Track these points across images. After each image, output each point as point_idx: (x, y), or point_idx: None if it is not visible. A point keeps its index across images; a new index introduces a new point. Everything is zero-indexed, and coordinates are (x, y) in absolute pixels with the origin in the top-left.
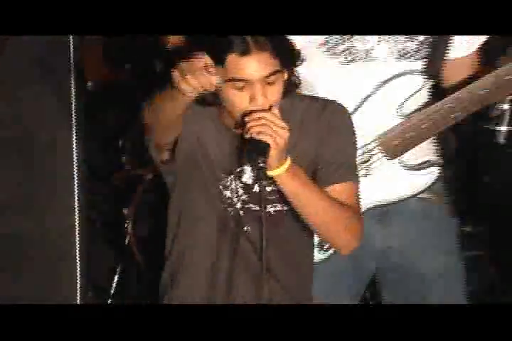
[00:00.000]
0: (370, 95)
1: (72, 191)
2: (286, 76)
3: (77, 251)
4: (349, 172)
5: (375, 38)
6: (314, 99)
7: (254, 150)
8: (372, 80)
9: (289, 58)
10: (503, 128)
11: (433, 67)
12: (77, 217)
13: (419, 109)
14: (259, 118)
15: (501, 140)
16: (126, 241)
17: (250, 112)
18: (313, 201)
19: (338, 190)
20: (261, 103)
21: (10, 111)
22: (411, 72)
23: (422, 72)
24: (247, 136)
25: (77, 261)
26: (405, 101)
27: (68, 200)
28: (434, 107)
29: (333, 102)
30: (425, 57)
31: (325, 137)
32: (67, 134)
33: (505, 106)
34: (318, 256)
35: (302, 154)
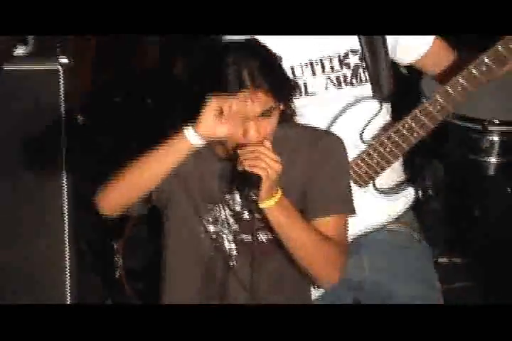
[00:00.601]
0: (329, 126)
1: (61, 222)
2: (281, 107)
3: (67, 284)
4: (339, 206)
5: (309, 72)
6: (308, 128)
7: (246, 183)
8: (327, 111)
9: (285, 92)
10: (493, 160)
11: (380, 90)
12: (67, 249)
13: (381, 134)
14: (253, 151)
15: (491, 172)
16: (117, 274)
17: (243, 145)
18: (298, 234)
19: (325, 223)
20: (254, 138)
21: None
22: (363, 99)
23: (373, 97)
24: (240, 169)
25: (67, 294)
26: (365, 127)
27: (57, 232)
28: (394, 129)
29: (329, 133)
30: (366, 81)
31: (317, 167)
32: (57, 165)
33: (495, 138)
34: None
35: (292, 182)
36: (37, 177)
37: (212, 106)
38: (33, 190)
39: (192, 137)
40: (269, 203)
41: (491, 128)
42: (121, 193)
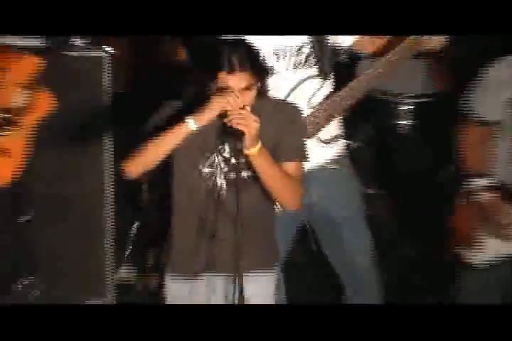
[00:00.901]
0: (287, 97)
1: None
2: (259, 85)
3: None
4: (298, 153)
5: (274, 57)
6: (276, 100)
7: (234, 136)
8: (284, 87)
9: (262, 74)
10: (405, 122)
11: (323, 71)
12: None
13: (323, 102)
14: (238, 114)
15: (404, 131)
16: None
17: (231, 110)
18: (271, 172)
19: (288, 165)
20: (239, 104)
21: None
22: (310, 77)
23: (317, 76)
24: (229, 126)
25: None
26: (311, 97)
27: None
28: (333, 98)
29: (290, 103)
30: (315, 64)
31: (283, 126)
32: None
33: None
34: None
35: (267, 136)
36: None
37: (214, 107)
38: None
39: (193, 126)
40: (252, 150)
41: (403, 99)
42: (142, 162)
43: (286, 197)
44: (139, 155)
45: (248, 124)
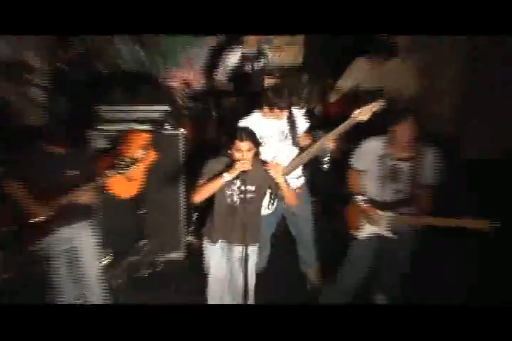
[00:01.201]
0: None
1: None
2: (255, 150)
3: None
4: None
5: (268, 136)
6: (262, 160)
7: (240, 176)
8: (269, 152)
9: (257, 144)
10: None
11: (295, 142)
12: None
13: (292, 159)
14: (242, 163)
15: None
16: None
17: (239, 160)
18: (286, 187)
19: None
20: (245, 158)
21: None
22: (286, 146)
23: (292, 145)
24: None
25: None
26: (287, 157)
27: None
28: (298, 157)
29: (272, 162)
30: (288, 138)
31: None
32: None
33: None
34: (267, 211)
35: (260, 176)
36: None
37: (238, 167)
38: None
39: (227, 177)
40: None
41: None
42: (201, 196)
43: (290, 198)
44: (199, 192)
45: (247, 168)
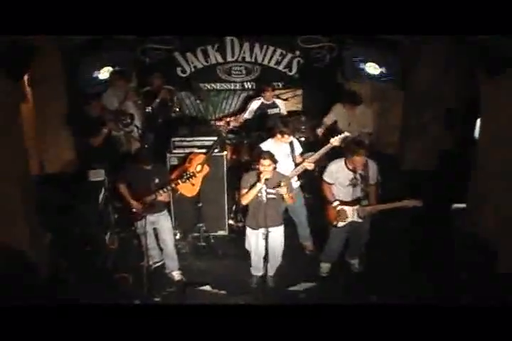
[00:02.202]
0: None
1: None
2: (274, 165)
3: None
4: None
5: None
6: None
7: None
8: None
9: (274, 161)
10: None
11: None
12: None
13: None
14: (266, 174)
15: None
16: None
17: (263, 172)
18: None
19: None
20: (267, 170)
21: None
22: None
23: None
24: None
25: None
26: (292, 171)
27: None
28: (293, 170)
29: (284, 174)
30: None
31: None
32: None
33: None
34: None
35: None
36: None
37: (262, 179)
38: None
39: (259, 186)
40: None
41: None
42: (246, 200)
43: (289, 200)
44: (245, 198)
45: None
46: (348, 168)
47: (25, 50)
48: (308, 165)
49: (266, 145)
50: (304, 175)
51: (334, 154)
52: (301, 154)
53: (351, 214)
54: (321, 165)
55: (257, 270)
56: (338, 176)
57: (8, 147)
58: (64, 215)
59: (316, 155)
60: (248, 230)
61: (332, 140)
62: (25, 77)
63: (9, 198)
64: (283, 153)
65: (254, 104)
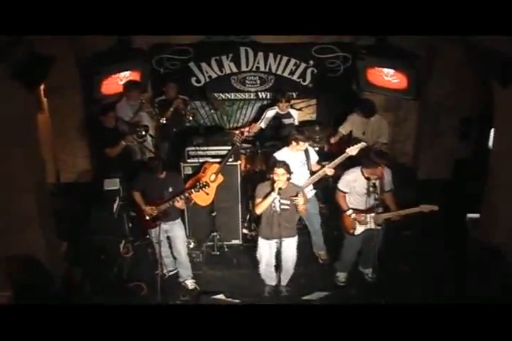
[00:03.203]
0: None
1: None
2: (288, 176)
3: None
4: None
5: (296, 166)
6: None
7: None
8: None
9: (289, 171)
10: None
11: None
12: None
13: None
14: (279, 183)
15: None
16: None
17: (277, 181)
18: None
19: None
20: (281, 180)
21: None
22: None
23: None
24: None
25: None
26: (307, 182)
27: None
28: (309, 179)
29: (298, 185)
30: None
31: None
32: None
33: None
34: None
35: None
36: None
37: (276, 189)
38: None
39: (275, 196)
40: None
41: None
42: (259, 210)
43: (303, 211)
44: (258, 207)
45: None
46: (365, 177)
47: (42, 61)
48: (329, 170)
49: (280, 155)
50: (316, 185)
51: (348, 163)
52: (318, 162)
53: (367, 221)
54: (330, 176)
55: (270, 279)
56: (355, 185)
57: (25, 156)
58: (79, 224)
59: (333, 164)
60: (260, 240)
61: (348, 149)
62: (41, 87)
63: (25, 207)
64: (298, 162)
65: (269, 114)
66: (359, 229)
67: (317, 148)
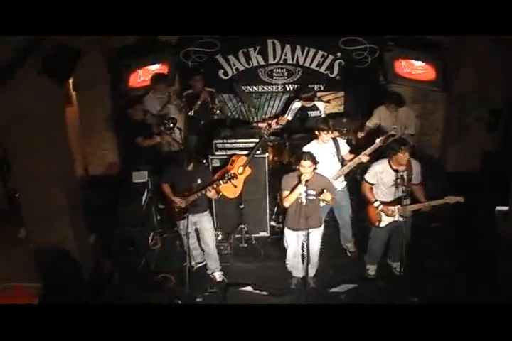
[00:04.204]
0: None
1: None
2: (314, 166)
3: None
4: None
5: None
6: (320, 174)
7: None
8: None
9: (315, 162)
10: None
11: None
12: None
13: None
14: (306, 175)
15: None
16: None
17: (304, 173)
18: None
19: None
20: (308, 172)
21: None
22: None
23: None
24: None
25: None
26: (337, 174)
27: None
28: (340, 170)
29: (325, 177)
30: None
31: (324, 185)
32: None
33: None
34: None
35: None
36: None
37: (303, 181)
38: None
39: (302, 188)
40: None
41: None
42: (287, 203)
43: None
44: (287, 200)
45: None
46: (392, 168)
47: (70, 54)
48: (364, 157)
49: (310, 147)
50: (347, 177)
51: (376, 156)
52: (351, 151)
53: (394, 214)
54: (361, 167)
55: (296, 271)
56: (382, 177)
57: (54, 149)
58: (108, 216)
59: (368, 151)
60: (287, 231)
61: (377, 140)
62: (70, 81)
63: (55, 199)
64: (328, 154)
65: (295, 105)
66: (384, 221)
67: (344, 141)
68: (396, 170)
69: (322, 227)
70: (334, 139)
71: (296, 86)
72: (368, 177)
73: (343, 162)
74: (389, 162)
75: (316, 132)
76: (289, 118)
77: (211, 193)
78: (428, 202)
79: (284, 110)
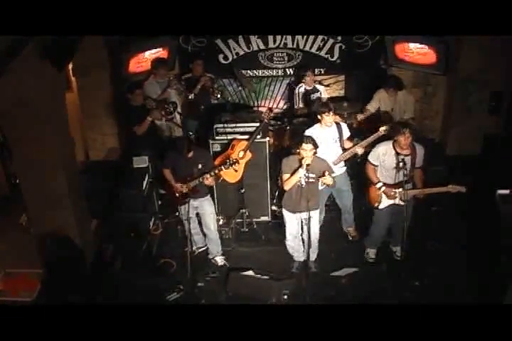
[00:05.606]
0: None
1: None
2: (315, 151)
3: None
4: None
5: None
6: (320, 158)
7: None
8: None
9: (316, 146)
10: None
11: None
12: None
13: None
14: (307, 159)
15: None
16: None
17: (304, 157)
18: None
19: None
20: (308, 156)
21: None
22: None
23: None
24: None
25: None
26: (337, 157)
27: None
28: (342, 154)
29: (320, 158)
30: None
31: (323, 167)
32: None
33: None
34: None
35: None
36: None
37: (304, 164)
38: None
39: (302, 173)
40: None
41: None
42: (288, 186)
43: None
44: (287, 183)
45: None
46: (396, 151)
47: (70, 39)
48: (360, 150)
49: (312, 131)
50: (346, 161)
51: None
52: (350, 138)
53: (395, 196)
54: (366, 150)
55: (298, 254)
56: (385, 159)
57: (54, 135)
58: (109, 202)
59: (365, 142)
60: (286, 213)
61: (382, 129)
62: (70, 66)
63: (56, 185)
64: (330, 139)
65: (300, 90)
66: (384, 203)
67: (346, 125)
68: (398, 154)
69: (319, 210)
70: (338, 124)
71: (296, 70)
72: (370, 157)
73: (343, 148)
74: (393, 144)
75: (319, 116)
76: (301, 105)
77: (208, 181)
78: (430, 188)
79: (284, 94)
